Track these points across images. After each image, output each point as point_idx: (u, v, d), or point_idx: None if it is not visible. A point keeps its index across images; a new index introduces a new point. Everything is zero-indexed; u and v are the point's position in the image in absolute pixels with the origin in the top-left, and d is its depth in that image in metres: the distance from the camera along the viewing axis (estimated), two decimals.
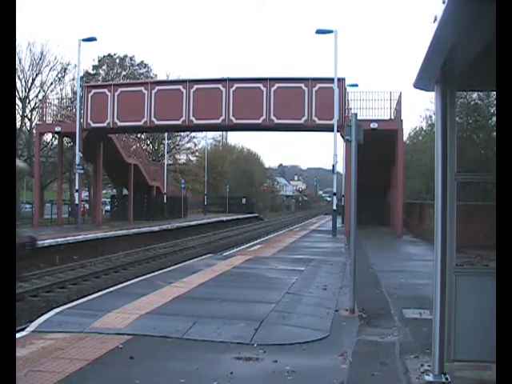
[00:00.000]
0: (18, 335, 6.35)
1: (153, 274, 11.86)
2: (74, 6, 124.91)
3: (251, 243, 21.23)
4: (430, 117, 33.23)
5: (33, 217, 30.65)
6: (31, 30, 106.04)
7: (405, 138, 33.53)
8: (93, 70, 52.19)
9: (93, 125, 28.98)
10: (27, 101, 40.30)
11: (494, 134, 23.13)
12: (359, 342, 6.62)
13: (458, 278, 4.96)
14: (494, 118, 23.33)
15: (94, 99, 29.19)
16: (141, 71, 53.46)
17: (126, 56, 54.00)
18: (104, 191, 45.96)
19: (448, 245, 4.88)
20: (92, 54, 57.75)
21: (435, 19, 3.53)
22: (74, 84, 42.41)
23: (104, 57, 53.12)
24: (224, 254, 17.24)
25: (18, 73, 38.46)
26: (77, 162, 27.73)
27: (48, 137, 38.67)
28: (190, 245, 27.33)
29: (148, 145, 53.14)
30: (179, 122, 28.15)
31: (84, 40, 27.97)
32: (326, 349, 6.31)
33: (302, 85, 26.86)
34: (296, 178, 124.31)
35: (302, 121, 26.72)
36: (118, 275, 16.46)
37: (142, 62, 54.44)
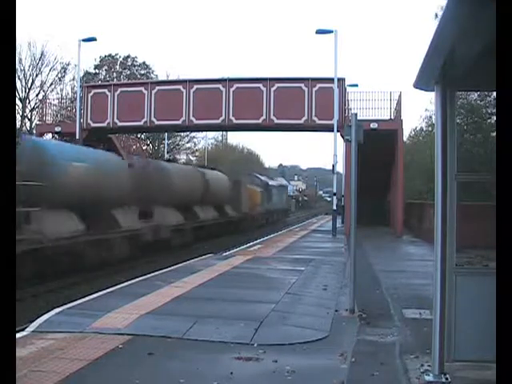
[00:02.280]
0: (18, 335, 6.35)
1: (153, 274, 11.86)
2: (75, 6, 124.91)
3: (251, 243, 21.22)
4: (430, 117, 33.19)
5: None
6: (31, 30, 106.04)
7: (405, 138, 33.55)
8: (94, 69, 52.18)
9: (93, 125, 28.98)
10: (27, 101, 40.33)
11: (489, 134, 23.17)
12: (359, 342, 6.62)
13: (458, 278, 4.95)
14: (489, 119, 23.40)
15: (94, 99, 29.20)
16: (142, 72, 53.43)
17: (128, 56, 54.02)
18: None
19: (448, 245, 4.88)
20: (93, 54, 57.91)
21: (436, 16, 3.55)
22: (74, 84, 42.49)
23: (105, 57, 53.11)
24: (224, 253, 17.23)
25: (18, 73, 38.49)
26: None
27: (48, 137, 38.67)
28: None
29: (148, 145, 53.10)
30: (179, 122, 28.15)
31: (84, 40, 28.00)
32: (326, 349, 6.31)
33: (302, 85, 26.86)
34: (296, 178, 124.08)
35: (301, 121, 26.72)
36: (118, 275, 16.39)
37: (144, 62, 54.46)
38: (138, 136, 47.10)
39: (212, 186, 26.89)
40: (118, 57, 53.82)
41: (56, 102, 33.93)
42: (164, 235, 20.31)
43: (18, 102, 38.40)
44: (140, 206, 18.99)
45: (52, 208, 13.84)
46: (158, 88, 28.91)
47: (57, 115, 31.54)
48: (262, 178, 44.50)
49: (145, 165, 20.81)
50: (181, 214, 22.66)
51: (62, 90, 43.43)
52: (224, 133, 68.61)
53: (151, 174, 20.32)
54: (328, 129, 26.33)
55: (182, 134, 52.82)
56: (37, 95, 41.31)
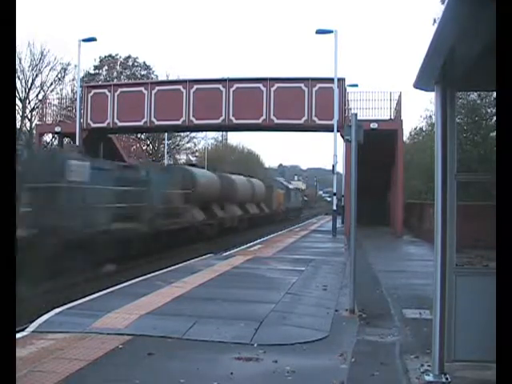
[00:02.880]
0: (18, 335, 6.35)
1: (153, 274, 11.85)
2: (75, 6, 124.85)
3: (251, 243, 21.21)
4: (430, 117, 33.19)
5: None
6: (31, 30, 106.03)
7: (405, 138, 33.55)
8: (94, 69, 52.17)
9: (93, 125, 28.98)
10: (27, 101, 40.28)
11: (488, 134, 23.18)
12: (359, 342, 6.62)
13: (458, 278, 4.95)
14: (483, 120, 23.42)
15: (94, 99, 29.21)
16: (142, 72, 53.45)
17: (128, 57, 54.04)
18: None
19: (448, 245, 4.88)
20: (93, 55, 57.98)
21: (434, 21, 3.55)
22: (74, 84, 42.41)
23: (105, 57, 53.11)
24: (224, 254, 17.22)
25: (18, 73, 38.47)
26: None
27: (48, 137, 38.66)
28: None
29: (148, 145, 53.11)
30: (179, 122, 28.17)
31: (84, 40, 27.98)
32: (326, 349, 6.31)
33: (302, 85, 26.87)
34: (296, 178, 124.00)
35: (301, 121, 26.72)
36: (118, 275, 16.41)
37: (144, 62, 54.47)
38: (138, 136, 47.14)
39: (256, 190, 38.02)
40: (118, 57, 53.86)
41: (56, 102, 33.94)
42: (235, 223, 30.48)
43: (18, 102, 38.34)
44: (222, 203, 29.02)
45: (193, 205, 23.60)
46: (157, 88, 28.92)
47: (57, 115, 31.53)
48: (285, 182, 59.09)
49: (223, 177, 30.92)
50: (240, 209, 32.82)
51: (62, 90, 43.39)
52: (224, 133, 68.62)
53: (227, 183, 30.30)
54: (328, 129, 26.33)
55: (182, 134, 52.81)
56: (37, 95, 41.28)
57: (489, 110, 23.15)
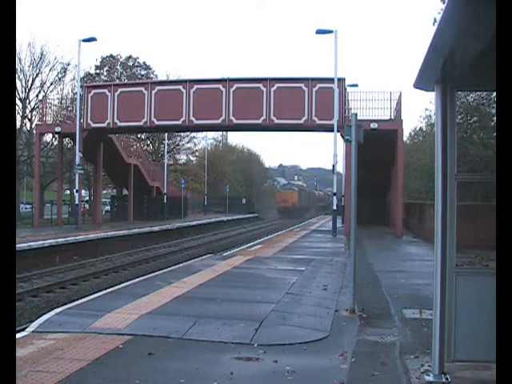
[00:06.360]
0: (18, 335, 6.33)
1: (153, 274, 11.86)
2: (76, 6, 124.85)
3: (251, 243, 21.21)
4: (430, 117, 33.24)
5: (33, 217, 30.70)
6: (31, 30, 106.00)
7: (405, 138, 33.54)
8: (96, 69, 52.13)
9: (93, 125, 28.96)
10: (27, 101, 40.17)
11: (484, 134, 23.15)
12: (359, 342, 6.62)
13: (458, 278, 4.95)
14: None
15: (94, 99, 29.17)
16: (142, 73, 53.40)
17: (129, 57, 53.98)
18: (104, 191, 45.95)
19: (448, 245, 4.88)
20: (95, 55, 57.99)
21: (435, 21, 3.56)
22: (74, 84, 42.30)
23: (106, 57, 53.07)
24: (224, 254, 17.22)
25: (18, 73, 38.34)
26: (77, 162, 27.72)
27: (48, 137, 38.63)
28: (190, 245, 27.34)
29: (148, 145, 53.08)
30: (179, 122, 28.14)
31: (84, 40, 27.92)
32: (327, 349, 6.31)
33: (302, 85, 26.84)
34: (296, 178, 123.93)
35: (301, 121, 26.70)
36: (118, 275, 16.47)
37: (144, 62, 54.43)
38: (138, 136, 47.11)
39: (323, 196, 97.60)
40: (119, 57, 53.80)
41: (56, 102, 33.88)
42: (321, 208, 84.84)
43: (18, 102, 38.26)
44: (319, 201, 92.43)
45: (317, 201, 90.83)
46: (158, 88, 28.88)
47: (57, 115, 31.49)
48: (327, 192, 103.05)
49: (319, 193, 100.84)
50: (318, 203, 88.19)
51: (62, 90, 43.28)
52: (224, 133, 68.70)
53: (318, 194, 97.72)
54: (328, 129, 26.32)
55: (182, 134, 52.79)
56: (37, 95, 41.15)
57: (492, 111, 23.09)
